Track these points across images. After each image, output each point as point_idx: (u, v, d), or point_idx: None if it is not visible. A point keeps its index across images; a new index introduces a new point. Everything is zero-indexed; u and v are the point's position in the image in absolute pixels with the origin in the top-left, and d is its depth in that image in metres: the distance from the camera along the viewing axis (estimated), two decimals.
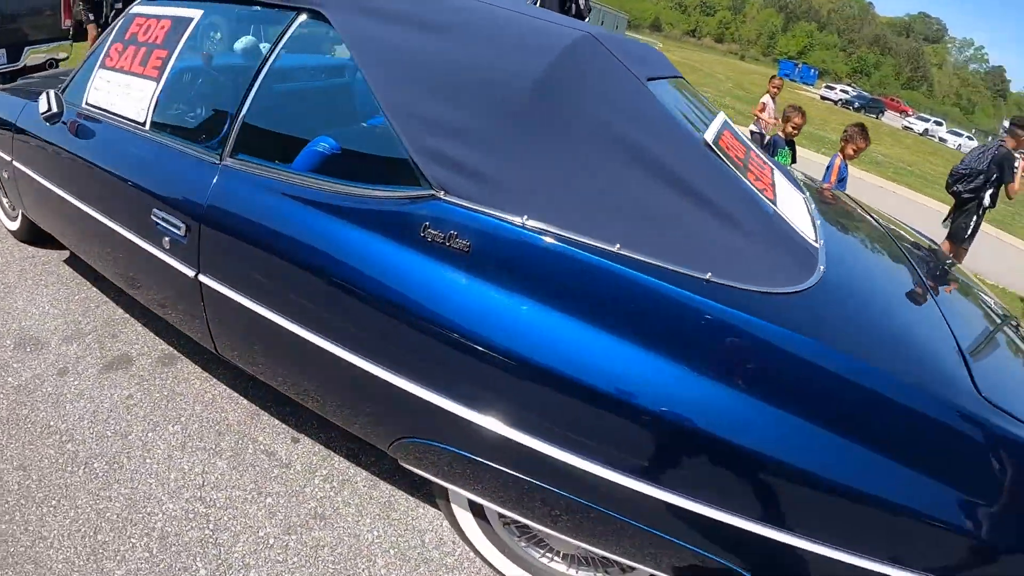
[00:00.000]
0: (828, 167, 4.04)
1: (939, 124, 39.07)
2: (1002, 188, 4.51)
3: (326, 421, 1.97)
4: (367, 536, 1.64)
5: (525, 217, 1.15)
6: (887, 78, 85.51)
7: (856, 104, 38.09)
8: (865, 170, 10.95)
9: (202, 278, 1.55)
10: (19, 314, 2.30)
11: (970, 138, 37.43)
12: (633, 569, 1.42)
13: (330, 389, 1.48)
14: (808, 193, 1.76)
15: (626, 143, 1.22)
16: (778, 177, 1.64)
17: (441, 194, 1.21)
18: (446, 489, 1.51)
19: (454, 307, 1.16)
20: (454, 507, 1.53)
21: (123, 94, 1.79)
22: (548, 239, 1.14)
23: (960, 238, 4.68)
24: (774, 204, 1.32)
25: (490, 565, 1.58)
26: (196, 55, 1.99)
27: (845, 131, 3.96)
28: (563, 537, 1.30)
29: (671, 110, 1.37)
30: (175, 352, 2.21)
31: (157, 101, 1.68)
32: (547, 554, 1.52)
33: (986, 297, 1.75)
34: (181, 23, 1.70)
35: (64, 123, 1.94)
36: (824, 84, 47.85)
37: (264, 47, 2.25)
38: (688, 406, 1.04)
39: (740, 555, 1.10)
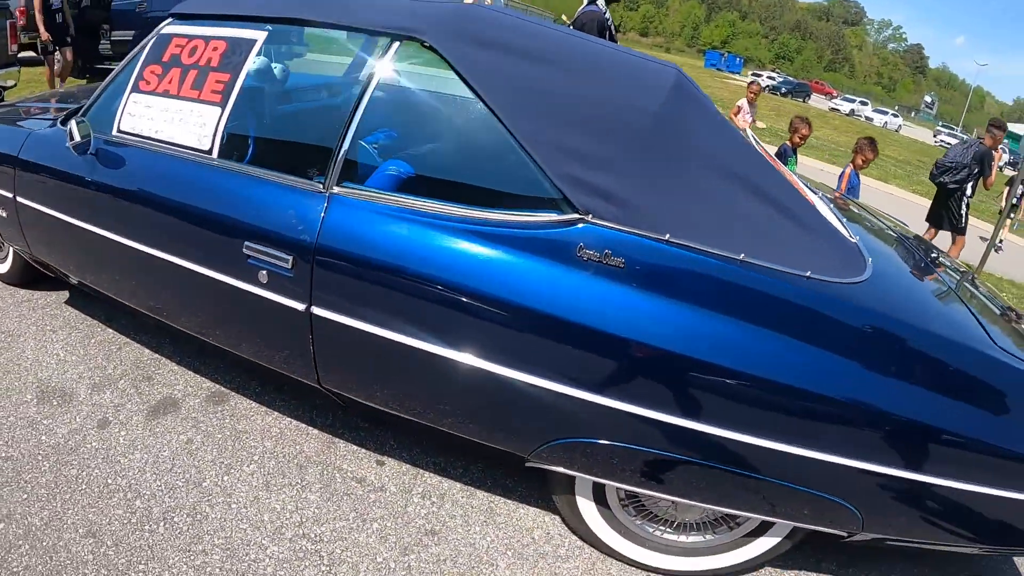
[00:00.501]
0: (840, 176, 4.52)
1: (864, 104, 42.28)
2: (980, 180, 5.44)
3: (406, 440, 2.05)
4: (481, 543, 1.72)
5: (668, 235, 1.38)
6: (809, 62, 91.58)
7: (783, 89, 40.53)
8: (804, 155, 11.84)
9: (315, 310, 1.57)
10: (32, 364, 2.22)
11: (895, 115, 40.76)
12: (739, 524, 1.65)
13: (472, 406, 1.58)
14: (822, 194, 2.12)
15: (725, 163, 1.50)
16: (800, 184, 1.97)
17: (589, 218, 1.41)
18: (569, 483, 1.63)
19: (615, 316, 1.37)
20: (578, 498, 1.66)
21: (173, 120, 1.79)
22: (689, 253, 1.38)
23: (960, 229, 5.56)
24: (816, 208, 1.63)
25: (608, 548, 1.71)
26: (269, 79, 2.01)
27: (856, 142, 4.41)
28: (697, 504, 1.51)
29: (737, 130, 1.68)
30: (223, 388, 2.20)
31: (225, 128, 1.70)
32: (659, 527, 1.72)
33: (953, 265, 2.20)
34: (241, 45, 1.73)
35: (92, 154, 1.93)
36: (750, 72, 50.79)
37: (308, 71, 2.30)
38: (815, 378, 1.33)
39: (854, 493, 1.39)
